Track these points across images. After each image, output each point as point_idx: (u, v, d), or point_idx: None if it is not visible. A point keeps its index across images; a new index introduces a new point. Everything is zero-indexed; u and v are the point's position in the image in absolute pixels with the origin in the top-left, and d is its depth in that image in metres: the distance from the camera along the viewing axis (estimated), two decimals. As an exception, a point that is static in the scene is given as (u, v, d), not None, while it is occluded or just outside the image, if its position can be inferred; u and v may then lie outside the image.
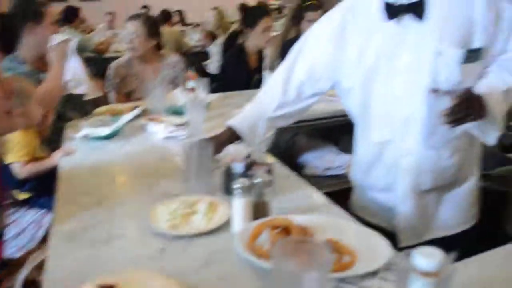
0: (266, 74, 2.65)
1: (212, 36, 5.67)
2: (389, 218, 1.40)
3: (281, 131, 2.29)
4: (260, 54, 3.06)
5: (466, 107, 1.14)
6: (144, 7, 7.81)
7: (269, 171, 1.24)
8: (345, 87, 1.39)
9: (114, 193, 1.43)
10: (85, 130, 1.88)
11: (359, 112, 1.41)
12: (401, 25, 1.25)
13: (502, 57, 1.28)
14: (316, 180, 2.39)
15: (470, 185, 1.42)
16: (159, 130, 1.92)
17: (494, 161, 2.43)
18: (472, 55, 1.22)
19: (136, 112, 2.12)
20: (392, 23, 1.25)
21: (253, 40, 2.95)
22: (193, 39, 7.06)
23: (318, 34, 1.41)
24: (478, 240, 1.42)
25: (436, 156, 1.31)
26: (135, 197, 1.38)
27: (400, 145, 1.33)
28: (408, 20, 1.23)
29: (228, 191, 1.21)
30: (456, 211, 1.42)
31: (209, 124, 2.06)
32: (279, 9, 8.60)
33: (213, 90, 2.76)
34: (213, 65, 5.50)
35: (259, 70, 3.01)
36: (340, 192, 1.94)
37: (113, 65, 2.73)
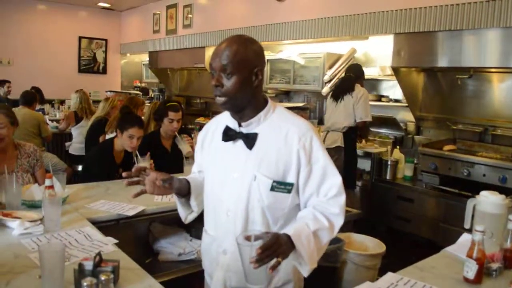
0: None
1: (74, 117, 5.67)
2: None
3: (137, 220, 2.50)
4: (125, 152, 3.23)
5: (273, 250, 1.28)
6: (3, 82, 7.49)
7: (116, 267, 1.45)
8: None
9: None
10: None
11: (206, 205, 1.67)
12: (236, 148, 1.55)
13: (318, 200, 1.52)
14: (171, 265, 2.61)
15: None
16: (14, 226, 1.93)
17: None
18: (284, 187, 1.51)
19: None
20: (231, 144, 1.56)
21: (121, 141, 3.14)
22: (54, 117, 7.02)
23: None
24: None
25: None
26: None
27: (221, 243, 1.58)
28: (241, 145, 1.54)
29: (78, 287, 1.37)
30: None
31: (66, 218, 2.17)
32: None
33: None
34: (73, 146, 5.49)
35: (123, 164, 3.20)
36: (193, 274, 2.21)
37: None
